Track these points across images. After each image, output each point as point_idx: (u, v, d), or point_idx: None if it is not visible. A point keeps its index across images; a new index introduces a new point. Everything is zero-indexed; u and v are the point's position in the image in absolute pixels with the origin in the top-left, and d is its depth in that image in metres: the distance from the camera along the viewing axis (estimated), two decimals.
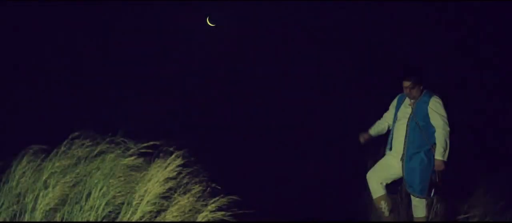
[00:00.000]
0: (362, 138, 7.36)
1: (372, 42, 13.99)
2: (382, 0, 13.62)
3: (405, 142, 6.97)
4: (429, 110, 6.97)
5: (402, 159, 6.99)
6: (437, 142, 6.97)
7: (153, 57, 14.26)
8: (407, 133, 6.95)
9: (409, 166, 6.94)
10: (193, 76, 14.56)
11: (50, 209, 5.26)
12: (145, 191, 5.28)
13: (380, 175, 7.06)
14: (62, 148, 6.34)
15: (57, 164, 5.88)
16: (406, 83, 6.95)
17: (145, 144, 6.47)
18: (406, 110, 7.08)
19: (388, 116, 7.32)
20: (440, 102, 7.01)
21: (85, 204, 5.26)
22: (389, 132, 7.36)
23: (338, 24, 14.48)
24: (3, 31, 12.17)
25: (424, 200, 6.98)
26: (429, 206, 7.01)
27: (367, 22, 14.15)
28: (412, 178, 6.89)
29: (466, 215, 7.54)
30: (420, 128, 6.96)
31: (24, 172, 5.68)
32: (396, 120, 7.12)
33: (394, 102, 7.28)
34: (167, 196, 5.44)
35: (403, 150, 6.99)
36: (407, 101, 7.06)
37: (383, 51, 13.64)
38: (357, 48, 14.15)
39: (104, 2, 13.47)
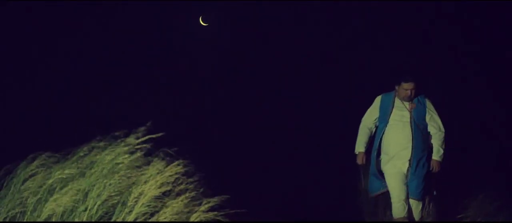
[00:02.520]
0: (362, 160, 7.21)
1: (370, 42, 14.05)
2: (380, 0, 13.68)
3: (412, 146, 6.95)
4: (427, 111, 7.01)
5: (409, 164, 6.96)
6: (435, 143, 7.01)
7: (151, 57, 14.33)
8: (414, 136, 6.94)
9: (417, 171, 6.95)
10: (191, 77, 14.63)
11: (49, 214, 5.38)
12: (140, 193, 5.39)
13: (404, 191, 6.94)
14: (81, 152, 6.45)
15: (66, 171, 5.99)
16: (410, 86, 6.91)
17: (142, 145, 6.60)
18: (401, 113, 6.99)
19: (370, 121, 7.21)
20: (432, 103, 7.13)
21: (82, 204, 5.40)
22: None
23: (336, 24, 14.54)
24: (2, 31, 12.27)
25: (421, 202, 7.07)
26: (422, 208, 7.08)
27: (366, 23, 14.21)
28: (417, 182, 6.92)
29: (459, 216, 7.62)
30: (421, 130, 7.01)
31: (30, 176, 5.77)
32: (388, 124, 7.05)
33: (377, 105, 7.17)
34: (161, 199, 5.55)
35: (410, 155, 6.96)
36: (399, 103, 7.04)
37: (380, 52, 13.70)
38: (355, 48, 14.21)
39: (105, 2, 13.55)
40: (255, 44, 14.93)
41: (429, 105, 7.05)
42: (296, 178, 10.53)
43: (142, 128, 8.46)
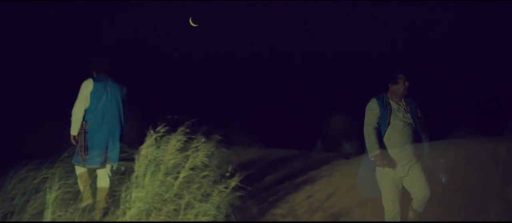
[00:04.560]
0: (383, 160, 6.95)
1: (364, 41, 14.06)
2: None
3: (413, 145, 6.99)
4: (418, 111, 7.02)
5: (413, 162, 6.94)
6: (426, 141, 7.07)
7: (150, 57, 14.33)
8: (414, 135, 6.99)
9: (420, 171, 6.92)
10: (189, 77, 14.61)
11: (37, 212, 5.41)
12: (136, 197, 5.40)
13: (398, 197, 6.93)
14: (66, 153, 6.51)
15: (51, 170, 6.04)
16: (404, 77, 6.99)
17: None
18: (401, 113, 7.02)
19: (375, 121, 7.03)
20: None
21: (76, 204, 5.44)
22: None
23: (331, 24, 14.53)
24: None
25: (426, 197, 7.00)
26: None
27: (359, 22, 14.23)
28: (421, 178, 6.93)
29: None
30: (417, 129, 6.98)
31: (22, 179, 5.80)
32: (390, 125, 6.98)
33: (376, 106, 7.03)
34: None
35: (413, 154, 6.94)
36: (394, 104, 6.97)
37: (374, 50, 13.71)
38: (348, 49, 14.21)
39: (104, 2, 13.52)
40: (253, 44, 14.95)
41: (417, 105, 6.99)
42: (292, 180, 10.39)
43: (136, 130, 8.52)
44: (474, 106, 15.45)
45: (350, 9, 14.73)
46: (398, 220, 6.90)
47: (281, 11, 15.47)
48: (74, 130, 8.03)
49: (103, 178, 8.18)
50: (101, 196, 8.11)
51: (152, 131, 6.77)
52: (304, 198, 8.90)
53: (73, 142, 8.04)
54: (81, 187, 7.93)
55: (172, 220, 5.40)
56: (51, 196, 5.72)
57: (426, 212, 7.18)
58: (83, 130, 8.02)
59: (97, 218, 7.69)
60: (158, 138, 6.78)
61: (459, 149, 8.59)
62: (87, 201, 7.69)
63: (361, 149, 12.56)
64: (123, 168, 8.02)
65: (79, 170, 8.12)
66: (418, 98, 7.33)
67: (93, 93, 8.05)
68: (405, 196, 7.13)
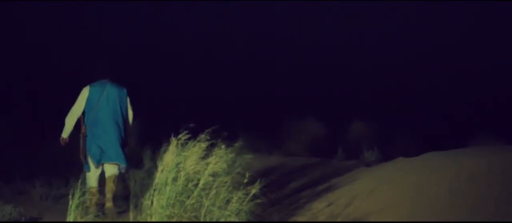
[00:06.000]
0: None
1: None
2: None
3: None
4: None
5: None
6: None
7: (147, 58, 14.28)
8: None
9: None
10: (189, 79, 14.55)
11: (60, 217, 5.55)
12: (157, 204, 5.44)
13: None
14: None
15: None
16: None
17: None
18: None
19: None
20: None
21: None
22: None
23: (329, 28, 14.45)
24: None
25: None
26: None
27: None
28: None
29: None
30: None
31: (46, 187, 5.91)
32: None
33: None
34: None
35: None
36: None
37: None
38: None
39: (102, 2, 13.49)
40: (252, 46, 14.87)
41: None
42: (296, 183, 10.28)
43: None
44: (493, 113, 15.24)
45: (352, 9, 14.62)
46: None
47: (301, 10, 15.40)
48: (64, 133, 8.44)
49: (109, 169, 8.38)
50: (110, 180, 8.32)
51: (173, 138, 6.80)
52: (325, 206, 8.86)
53: (61, 142, 8.46)
54: (87, 201, 8.06)
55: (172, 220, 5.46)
56: (73, 203, 5.91)
57: (447, 219, 7.10)
58: (82, 135, 8.24)
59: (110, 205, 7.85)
60: (180, 145, 6.80)
61: (480, 157, 8.49)
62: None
63: (383, 157, 12.47)
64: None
65: (89, 183, 8.34)
66: (441, 104, 7.25)
67: (89, 98, 8.35)
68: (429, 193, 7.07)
